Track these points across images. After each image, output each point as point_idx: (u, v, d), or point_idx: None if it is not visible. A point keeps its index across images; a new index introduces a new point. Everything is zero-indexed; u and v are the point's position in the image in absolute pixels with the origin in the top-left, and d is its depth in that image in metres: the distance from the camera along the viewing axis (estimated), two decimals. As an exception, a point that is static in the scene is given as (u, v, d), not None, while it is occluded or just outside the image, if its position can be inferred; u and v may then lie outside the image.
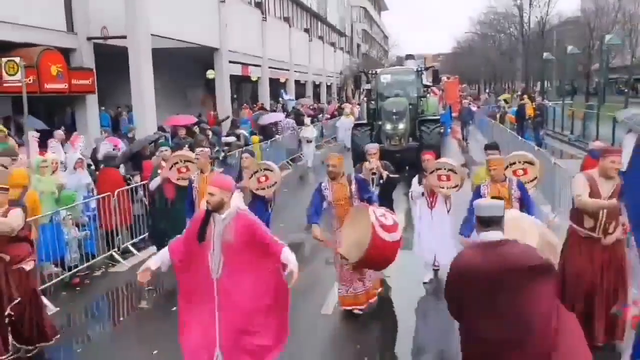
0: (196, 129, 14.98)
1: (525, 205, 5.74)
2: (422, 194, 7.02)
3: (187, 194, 7.15)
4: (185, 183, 7.36)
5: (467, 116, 24.04)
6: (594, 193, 5.01)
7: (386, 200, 7.30)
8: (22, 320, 5.23)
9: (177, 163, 7.59)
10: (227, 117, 19.16)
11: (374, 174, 7.13)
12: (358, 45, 67.26)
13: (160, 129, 15.81)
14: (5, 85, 10.38)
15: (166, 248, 4.31)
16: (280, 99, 29.59)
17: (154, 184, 7.85)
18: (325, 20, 47.83)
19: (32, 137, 11.52)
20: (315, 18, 44.69)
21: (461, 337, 3.39)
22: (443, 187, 6.71)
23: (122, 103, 19.56)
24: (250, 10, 27.88)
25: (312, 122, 22.76)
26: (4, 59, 10.21)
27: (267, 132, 18.10)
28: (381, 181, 7.21)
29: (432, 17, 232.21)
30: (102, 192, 8.21)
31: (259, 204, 7.31)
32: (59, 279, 7.03)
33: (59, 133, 11.01)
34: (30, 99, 12.92)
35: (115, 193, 8.23)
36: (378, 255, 5.61)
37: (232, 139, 13.82)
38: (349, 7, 62.43)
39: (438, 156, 8.17)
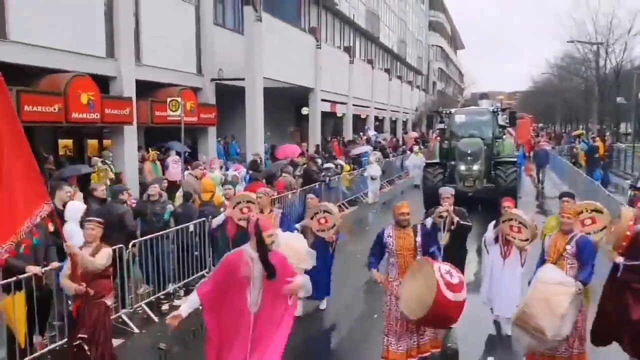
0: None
1: (582, 263, 5.48)
2: (496, 239, 6.86)
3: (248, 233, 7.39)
4: (245, 224, 7.31)
5: (543, 159, 22.23)
6: None
7: (459, 250, 7.04)
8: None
9: (239, 203, 7.64)
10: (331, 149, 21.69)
11: (441, 217, 6.86)
12: (434, 83, 69.29)
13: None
14: (168, 118, 13.50)
15: (195, 294, 4.49)
16: (362, 133, 32.10)
17: (216, 222, 8.03)
18: (404, 60, 50.36)
19: (174, 161, 14.62)
20: (395, 59, 47.30)
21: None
22: (515, 238, 6.56)
23: (229, 134, 22.52)
24: (340, 54, 30.82)
25: (390, 156, 25.00)
26: (169, 99, 13.32)
27: (356, 162, 20.34)
28: (452, 227, 6.87)
29: (509, 56, 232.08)
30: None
31: (321, 245, 7.34)
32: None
33: (204, 158, 13.94)
34: (165, 129, 15.98)
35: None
36: (441, 315, 5.29)
37: (330, 165, 16.34)
38: (426, 46, 64.87)
39: (516, 202, 7.99)
